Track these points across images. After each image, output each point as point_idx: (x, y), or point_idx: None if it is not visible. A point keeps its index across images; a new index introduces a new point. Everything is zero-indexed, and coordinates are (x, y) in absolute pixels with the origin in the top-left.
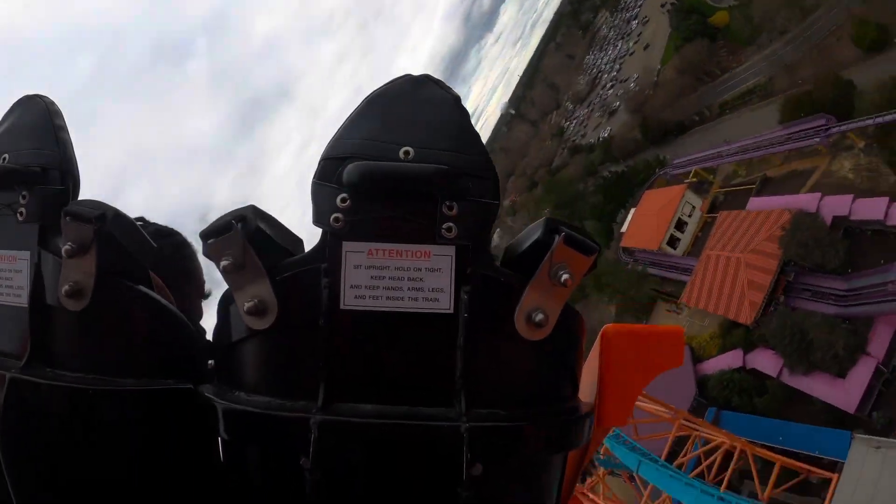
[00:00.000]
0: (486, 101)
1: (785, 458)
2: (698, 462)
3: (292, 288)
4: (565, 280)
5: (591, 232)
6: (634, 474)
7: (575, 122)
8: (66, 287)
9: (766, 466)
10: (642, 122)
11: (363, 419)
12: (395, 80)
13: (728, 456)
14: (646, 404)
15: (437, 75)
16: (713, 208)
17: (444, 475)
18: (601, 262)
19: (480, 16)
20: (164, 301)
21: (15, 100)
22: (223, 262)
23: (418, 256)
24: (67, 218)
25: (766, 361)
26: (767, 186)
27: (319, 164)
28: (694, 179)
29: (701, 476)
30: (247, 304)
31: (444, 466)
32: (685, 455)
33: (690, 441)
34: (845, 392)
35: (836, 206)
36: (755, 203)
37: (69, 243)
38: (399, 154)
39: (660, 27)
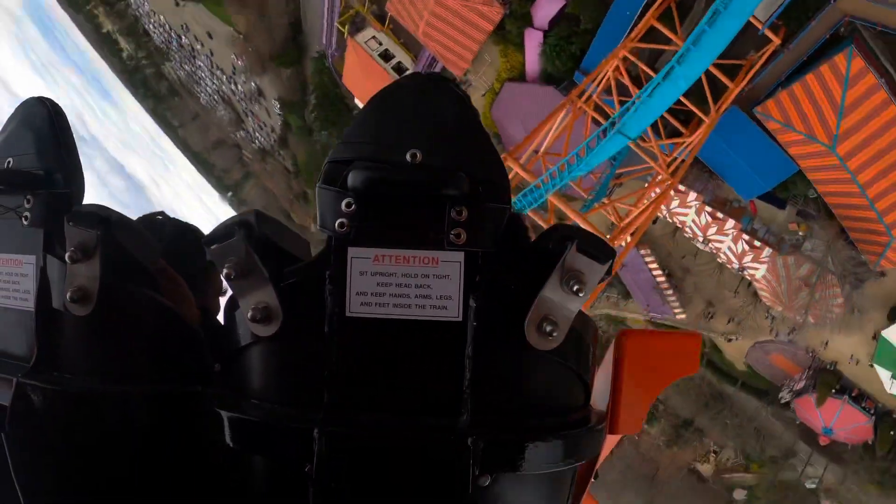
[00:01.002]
0: (208, 220)
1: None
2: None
3: (297, 294)
4: (578, 289)
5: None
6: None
7: (258, 135)
8: (70, 292)
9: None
10: (276, 61)
11: (367, 429)
12: (402, 78)
13: (628, 69)
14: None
15: None
16: (382, 19)
17: (449, 487)
18: None
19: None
20: (168, 304)
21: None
22: (226, 269)
23: (426, 263)
24: (71, 223)
25: (547, 8)
26: None
27: (324, 167)
28: (347, 27)
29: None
30: (251, 311)
31: (449, 478)
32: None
33: (597, 97)
34: None
35: None
36: None
37: (73, 248)
38: (406, 157)
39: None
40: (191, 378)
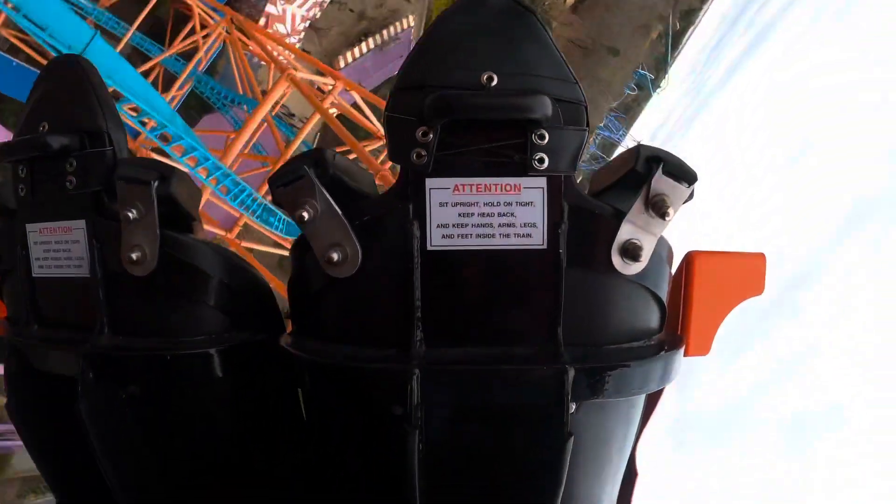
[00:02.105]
0: None
1: None
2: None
3: (374, 232)
4: (663, 213)
5: None
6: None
7: None
8: (129, 253)
9: None
10: None
11: (458, 365)
12: None
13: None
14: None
15: None
16: None
17: (548, 417)
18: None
19: None
20: (227, 251)
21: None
22: (297, 212)
23: (508, 190)
24: (122, 181)
25: None
26: None
27: (391, 94)
28: None
29: None
30: (326, 253)
31: (547, 408)
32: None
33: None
34: None
35: None
36: None
37: (127, 208)
38: (482, 80)
39: None
40: (260, 324)
